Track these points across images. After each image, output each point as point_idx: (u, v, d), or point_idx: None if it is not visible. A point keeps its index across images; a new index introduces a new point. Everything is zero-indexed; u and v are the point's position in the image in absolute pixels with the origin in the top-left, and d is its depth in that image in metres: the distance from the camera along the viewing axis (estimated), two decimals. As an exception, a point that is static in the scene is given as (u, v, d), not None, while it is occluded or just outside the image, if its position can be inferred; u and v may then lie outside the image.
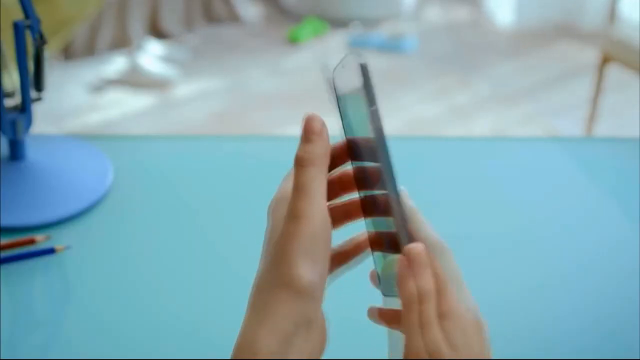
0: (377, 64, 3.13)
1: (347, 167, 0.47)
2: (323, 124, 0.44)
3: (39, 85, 0.83)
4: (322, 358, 0.43)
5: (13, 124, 0.82)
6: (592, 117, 2.40)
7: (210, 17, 3.39)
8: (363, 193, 0.46)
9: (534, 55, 3.26)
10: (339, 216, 0.47)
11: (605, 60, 2.29)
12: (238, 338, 0.42)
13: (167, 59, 2.99)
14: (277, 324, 0.40)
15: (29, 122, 0.83)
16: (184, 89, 2.87)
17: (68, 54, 2.94)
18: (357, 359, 0.62)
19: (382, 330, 0.62)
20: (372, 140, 0.43)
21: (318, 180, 0.42)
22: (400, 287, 0.42)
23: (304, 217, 0.41)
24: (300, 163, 0.43)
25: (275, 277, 0.41)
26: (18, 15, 0.78)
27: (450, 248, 0.45)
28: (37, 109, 0.83)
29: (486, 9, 3.69)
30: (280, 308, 0.40)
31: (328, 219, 0.42)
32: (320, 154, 0.43)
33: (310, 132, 0.43)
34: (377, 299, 0.47)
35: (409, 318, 0.41)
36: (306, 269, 0.40)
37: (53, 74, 2.67)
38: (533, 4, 3.55)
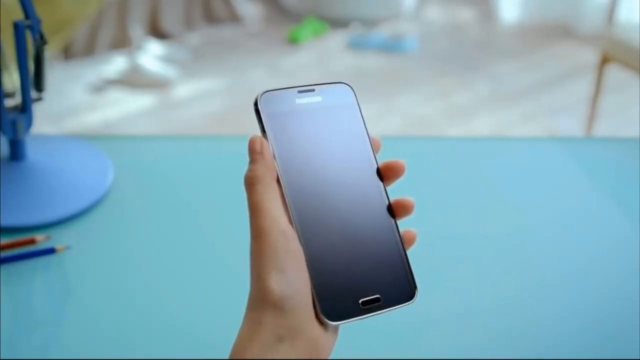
0: (377, 64, 3.13)
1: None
2: (262, 143, 0.46)
3: (39, 85, 0.83)
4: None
5: (13, 124, 0.82)
6: (592, 117, 2.40)
7: (210, 17, 3.39)
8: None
9: (533, 55, 3.26)
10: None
11: (605, 61, 2.29)
12: (231, 351, 0.43)
13: (167, 59, 2.99)
14: (261, 337, 0.42)
15: (29, 122, 0.83)
16: (184, 89, 2.87)
17: (68, 54, 2.94)
18: (358, 359, 0.62)
19: (382, 329, 0.62)
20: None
21: (268, 194, 0.44)
22: None
23: (262, 233, 0.43)
24: (249, 182, 0.45)
25: (253, 293, 0.43)
26: (18, 15, 0.78)
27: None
28: (37, 109, 0.83)
29: (486, 9, 3.69)
30: (261, 323, 0.42)
31: (286, 228, 0.44)
32: (265, 170, 0.45)
33: (252, 152, 0.46)
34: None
35: None
36: (274, 282, 0.42)
37: (53, 74, 2.67)
38: (533, 4, 3.55)
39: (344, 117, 0.49)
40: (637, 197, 0.88)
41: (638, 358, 0.66)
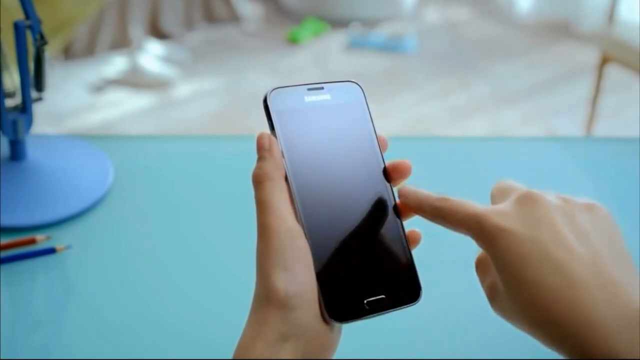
0: (377, 64, 3.13)
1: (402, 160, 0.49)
2: (271, 140, 0.46)
3: (39, 85, 0.83)
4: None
5: (14, 124, 0.82)
6: (591, 117, 2.40)
7: (210, 17, 3.39)
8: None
9: (533, 55, 3.26)
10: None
11: (605, 61, 2.29)
12: (235, 350, 0.43)
13: (167, 59, 2.99)
14: (266, 336, 0.42)
15: (29, 122, 0.83)
16: (184, 89, 2.87)
17: (68, 54, 2.94)
18: (360, 359, 0.62)
19: (384, 329, 0.62)
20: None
21: (276, 192, 0.44)
22: None
23: (269, 231, 0.43)
24: (257, 180, 0.45)
25: (259, 292, 0.43)
26: (18, 15, 0.78)
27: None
28: (37, 109, 0.83)
29: (486, 10, 3.69)
30: (266, 321, 0.42)
31: (294, 227, 0.43)
32: (273, 168, 0.45)
33: (261, 149, 0.45)
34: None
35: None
36: (280, 281, 0.42)
37: (53, 74, 2.67)
38: (533, 5, 3.55)
39: (353, 115, 0.49)
40: (637, 197, 0.88)
41: (638, 358, 0.66)
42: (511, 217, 0.42)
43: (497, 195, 0.47)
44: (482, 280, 0.46)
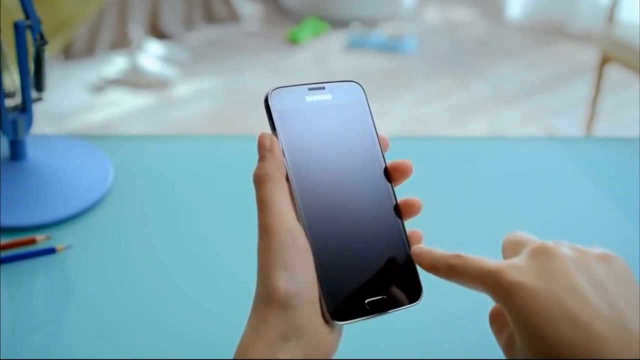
0: (376, 64, 3.13)
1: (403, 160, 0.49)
2: (272, 139, 0.46)
3: (39, 85, 0.83)
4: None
5: (14, 124, 0.82)
6: (591, 117, 2.40)
7: (210, 17, 3.39)
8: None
9: (533, 55, 3.26)
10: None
11: (605, 61, 2.29)
12: (236, 350, 0.43)
13: (167, 59, 2.99)
14: (266, 336, 0.42)
15: (29, 122, 0.83)
16: (184, 89, 2.87)
17: (68, 54, 2.94)
18: (361, 359, 0.62)
19: (384, 330, 0.62)
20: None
21: (278, 192, 0.44)
22: None
23: (270, 231, 0.43)
24: (258, 180, 0.45)
25: (259, 292, 0.43)
26: (18, 15, 0.78)
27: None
28: (37, 109, 0.83)
29: (485, 10, 3.69)
30: (267, 321, 0.42)
31: (295, 226, 0.44)
32: (274, 168, 0.45)
33: (262, 149, 0.45)
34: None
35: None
36: (281, 281, 0.42)
37: (53, 74, 2.67)
38: (532, 5, 3.55)
39: (354, 115, 0.49)
40: (637, 197, 0.88)
41: (638, 358, 0.66)
42: (527, 271, 0.42)
43: (509, 248, 0.46)
44: (497, 335, 0.46)
